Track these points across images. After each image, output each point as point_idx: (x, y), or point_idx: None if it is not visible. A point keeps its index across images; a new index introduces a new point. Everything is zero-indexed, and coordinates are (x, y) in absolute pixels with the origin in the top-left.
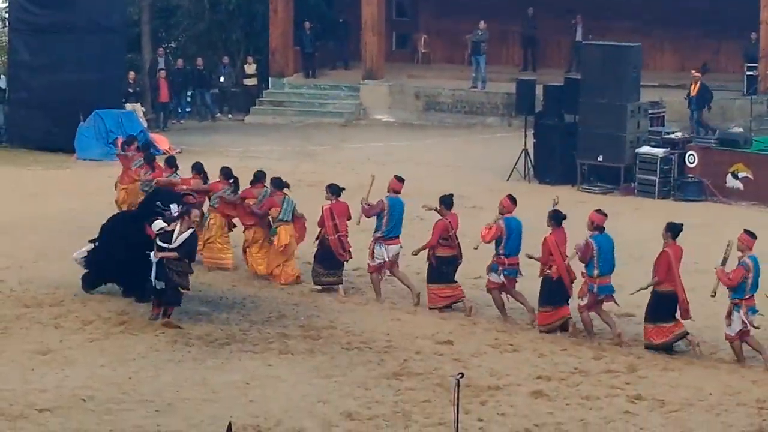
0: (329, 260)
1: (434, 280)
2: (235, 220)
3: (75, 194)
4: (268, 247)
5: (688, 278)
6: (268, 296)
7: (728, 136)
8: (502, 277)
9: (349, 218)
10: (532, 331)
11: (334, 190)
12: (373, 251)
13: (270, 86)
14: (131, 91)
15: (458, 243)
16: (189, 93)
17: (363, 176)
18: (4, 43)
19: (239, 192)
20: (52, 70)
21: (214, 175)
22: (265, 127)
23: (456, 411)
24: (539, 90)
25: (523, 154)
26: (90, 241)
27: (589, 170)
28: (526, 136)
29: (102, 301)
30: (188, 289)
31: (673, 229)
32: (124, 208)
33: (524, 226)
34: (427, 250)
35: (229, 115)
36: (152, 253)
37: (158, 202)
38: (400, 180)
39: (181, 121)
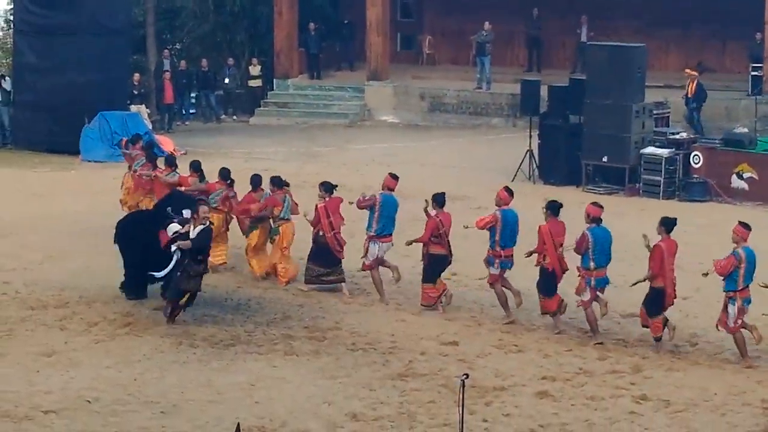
0: (326, 258)
1: (428, 280)
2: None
3: (80, 196)
4: (262, 248)
5: (692, 278)
6: (273, 297)
7: (733, 136)
8: (499, 269)
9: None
10: (537, 332)
11: (327, 188)
12: (367, 249)
13: (275, 87)
14: (136, 92)
15: (448, 242)
16: (194, 94)
17: (368, 177)
18: (9, 45)
19: (237, 197)
20: (57, 72)
21: (216, 177)
22: (270, 128)
23: (461, 412)
24: (544, 91)
25: (527, 154)
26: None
27: (593, 171)
28: (530, 136)
29: (107, 302)
30: (198, 290)
31: (667, 224)
32: (125, 208)
33: (527, 226)
34: (421, 247)
35: (234, 117)
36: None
37: (168, 208)
38: (395, 177)
39: (186, 123)
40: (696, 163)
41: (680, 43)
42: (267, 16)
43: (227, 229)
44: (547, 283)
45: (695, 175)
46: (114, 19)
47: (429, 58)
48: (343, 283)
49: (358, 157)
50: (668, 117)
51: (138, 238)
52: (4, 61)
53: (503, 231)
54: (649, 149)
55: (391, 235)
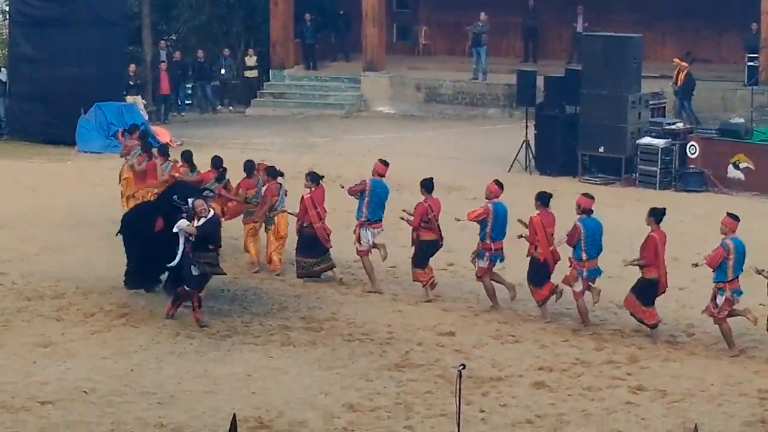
0: (315, 248)
1: (419, 265)
2: None
3: (76, 187)
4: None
5: (688, 268)
6: (270, 288)
7: (729, 126)
8: (488, 262)
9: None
10: (534, 322)
11: (313, 178)
12: (359, 236)
13: (271, 78)
14: (132, 83)
15: (438, 226)
16: (189, 85)
17: (364, 168)
18: (5, 36)
19: (231, 183)
20: (53, 63)
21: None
22: (266, 119)
23: (458, 402)
24: (540, 81)
25: (524, 145)
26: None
27: (590, 161)
28: (527, 127)
29: (104, 293)
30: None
31: (657, 214)
32: (124, 200)
33: (524, 217)
34: (411, 233)
35: (230, 108)
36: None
37: (175, 196)
38: (385, 163)
39: (182, 114)
40: (692, 154)
41: (676, 33)
42: (263, 7)
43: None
44: (538, 273)
45: (691, 166)
46: (110, 10)
47: (425, 49)
48: (334, 268)
49: (354, 148)
50: (664, 107)
51: (143, 230)
52: (0, 52)
53: (494, 224)
54: (646, 139)
55: (381, 220)
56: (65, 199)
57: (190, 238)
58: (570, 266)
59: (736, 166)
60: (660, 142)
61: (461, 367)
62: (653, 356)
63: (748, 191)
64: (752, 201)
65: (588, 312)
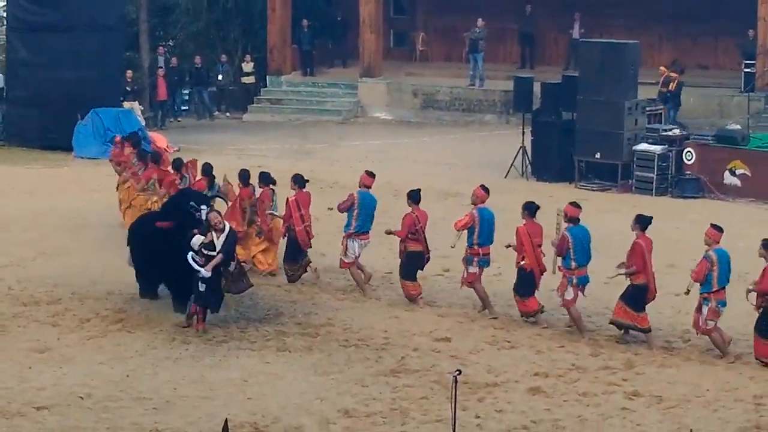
0: (294, 253)
1: (408, 277)
2: None
3: (73, 192)
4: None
5: (684, 275)
6: (266, 294)
7: (726, 133)
8: (477, 268)
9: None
10: (530, 328)
11: (299, 181)
12: (346, 247)
13: (268, 84)
14: (129, 89)
15: (425, 238)
16: (187, 91)
17: (360, 174)
18: (1, 42)
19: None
20: (50, 69)
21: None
22: (263, 125)
23: (453, 408)
24: (537, 87)
25: (520, 151)
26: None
27: (586, 167)
28: (523, 133)
29: (100, 299)
30: (250, 285)
31: (642, 222)
32: (123, 209)
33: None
34: (398, 244)
35: (227, 114)
36: (203, 270)
37: (192, 203)
38: (371, 175)
39: (179, 120)
40: (689, 160)
41: (673, 39)
42: (260, 13)
43: None
44: (524, 284)
45: (688, 172)
46: (107, 15)
47: (422, 55)
48: (310, 263)
49: (351, 154)
50: (661, 114)
51: (150, 239)
52: None
53: (481, 229)
54: (642, 146)
55: (368, 232)
56: (62, 204)
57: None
58: (561, 274)
59: (733, 173)
60: (656, 149)
61: (457, 372)
62: (649, 362)
63: (744, 198)
64: (749, 207)
65: (581, 318)
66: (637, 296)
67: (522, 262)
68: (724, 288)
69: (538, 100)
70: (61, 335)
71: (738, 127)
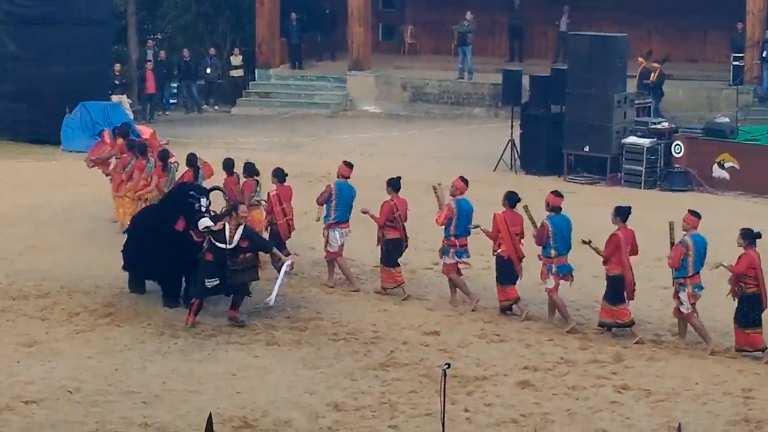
0: (278, 246)
1: (389, 264)
2: None
3: (62, 186)
4: None
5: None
6: (254, 288)
7: (714, 126)
8: (454, 258)
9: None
10: (519, 322)
11: (279, 175)
12: (327, 238)
13: (256, 77)
14: (117, 82)
15: (403, 226)
16: (175, 84)
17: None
18: None
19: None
20: (39, 62)
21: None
22: (252, 118)
23: (442, 401)
24: (526, 81)
25: (509, 144)
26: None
27: (575, 161)
28: (512, 126)
29: (88, 293)
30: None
31: (622, 213)
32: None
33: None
34: (377, 233)
35: (216, 107)
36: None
37: (192, 192)
38: (349, 165)
39: (167, 113)
40: (677, 153)
41: (661, 32)
42: (249, 6)
43: None
44: (503, 271)
45: (677, 165)
46: (95, 9)
47: (411, 48)
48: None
49: (340, 147)
50: (650, 107)
51: (149, 233)
52: None
53: (458, 221)
54: (631, 139)
55: (348, 221)
56: (51, 198)
57: (228, 245)
58: (542, 265)
59: (722, 166)
60: (645, 142)
61: (446, 366)
62: (638, 355)
63: (733, 191)
64: (737, 200)
65: (565, 306)
66: (614, 288)
67: (498, 250)
68: (698, 273)
69: (527, 94)
70: (50, 329)
71: (727, 120)
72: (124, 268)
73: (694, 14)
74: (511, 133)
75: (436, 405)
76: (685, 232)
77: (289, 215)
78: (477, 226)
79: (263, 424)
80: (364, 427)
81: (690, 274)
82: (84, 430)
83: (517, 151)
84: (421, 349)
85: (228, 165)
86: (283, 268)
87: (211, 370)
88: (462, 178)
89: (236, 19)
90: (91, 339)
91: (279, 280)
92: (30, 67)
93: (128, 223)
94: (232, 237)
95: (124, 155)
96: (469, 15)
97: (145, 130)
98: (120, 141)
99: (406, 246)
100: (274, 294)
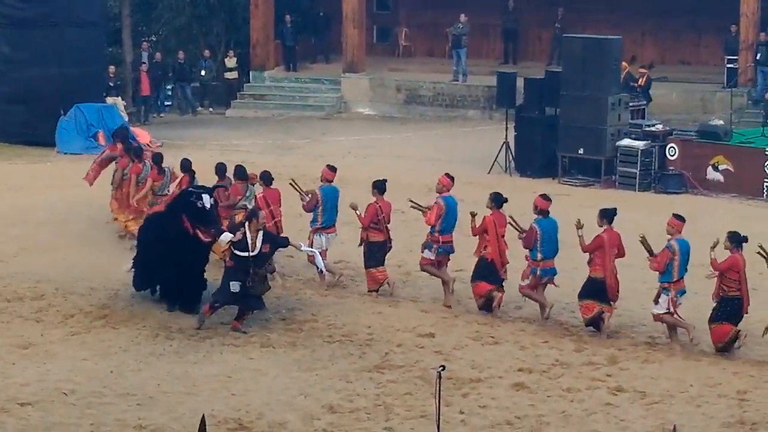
0: None
1: (372, 265)
2: None
3: (56, 188)
4: None
5: None
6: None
7: (709, 128)
8: (435, 254)
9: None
10: (514, 324)
11: (263, 177)
12: (312, 242)
13: (251, 80)
14: (112, 84)
15: (387, 228)
16: (170, 87)
17: (344, 169)
18: None
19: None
20: (33, 64)
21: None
22: (246, 120)
23: (437, 403)
24: (520, 83)
25: (504, 147)
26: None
27: (569, 163)
28: (507, 129)
29: (83, 294)
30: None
31: (608, 215)
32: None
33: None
34: (361, 234)
35: (210, 109)
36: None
37: (193, 192)
38: (332, 169)
39: (162, 115)
40: (672, 156)
41: (656, 35)
42: (243, 8)
43: None
44: (481, 269)
45: (671, 168)
46: (90, 11)
47: (405, 51)
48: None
49: (334, 150)
50: (644, 109)
51: (157, 238)
52: None
53: (444, 217)
54: (625, 141)
55: (334, 225)
56: (45, 200)
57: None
58: (527, 265)
59: (716, 168)
60: (639, 144)
61: (441, 368)
62: (632, 358)
63: (727, 193)
64: (731, 203)
65: (538, 297)
66: (594, 288)
67: (484, 251)
68: (683, 278)
69: (521, 96)
70: (45, 331)
71: (721, 122)
72: (135, 272)
73: (688, 16)
74: (506, 136)
75: (431, 407)
76: (669, 237)
77: (278, 217)
78: (473, 214)
79: (258, 426)
80: (359, 429)
81: (675, 279)
82: None
83: (511, 154)
84: (416, 351)
85: (220, 170)
86: (308, 251)
87: (206, 372)
88: (448, 175)
89: (231, 21)
90: (86, 341)
91: (316, 259)
92: (24, 69)
93: (127, 227)
94: (254, 244)
95: (123, 158)
96: (463, 17)
97: (141, 133)
98: (119, 145)
99: (390, 247)
100: (320, 264)
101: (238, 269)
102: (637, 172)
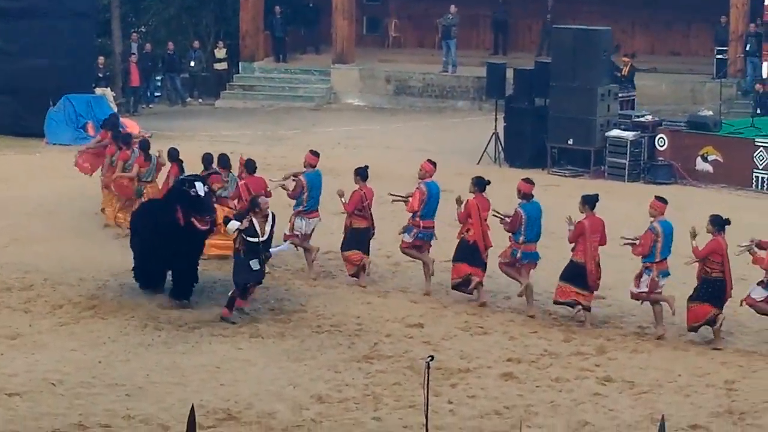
0: None
1: (348, 248)
2: None
3: (45, 179)
4: None
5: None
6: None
7: (698, 119)
8: (414, 238)
9: (269, 195)
10: (503, 314)
11: (249, 167)
12: (293, 224)
13: (240, 71)
14: (101, 75)
15: (371, 215)
16: (159, 77)
17: (334, 160)
18: None
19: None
20: (22, 55)
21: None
22: (236, 111)
23: (426, 393)
24: (510, 74)
25: (493, 137)
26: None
27: (559, 154)
28: (496, 119)
29: (72, 285)
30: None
31: (590, 201)
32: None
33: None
34: (345, 220)
35: (200, 100)
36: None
37: (186, 183)
38: (315, 154)
39: (151, 106)
40: (661, 146)
41: (645, 26)
42: None
43: None
44: (463, 251)
45: (660, 158)
46: (79, 2)
47: (395, 41)
48: None
49: (324, 140)
50: (633, 100)
51: (151, 228)
52: None
53: (426, 203)
54: (615, 132)
55: (317, 210)
56: (34, 190)
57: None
58: (508, 246)
59: (705, 159)
60: (629, 135)
61: (429, 358)
62: (621, 347)
63: (716, 183)
64: (720, 193)
65: (516, 275)
66: (574, 272)
67: (466, 234)
68: (665, 259)
69: (511, 87)
70: (34, 322)
71: (710, 113)
72: (136, 277)
73: (677, 7)
74: (495, 126)
75: (420, 397)
76: (652, 218)
77: None
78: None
79: (247, 416)
80: (347, 419)
81: (657, 260)
82: (67, 422)
83: (501, 144)
84: (405, 341)
85: (207, 160)
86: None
87: (195, 363)
88: (430, 161)
89: (220, 11)
90: (75, 331)
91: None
92: (13, 60)
93: (113, 219)
94: (263, 229)
95: (111, 145)
96: (453, 8)
97: (130, 124)
98: (108, 133)
99: (373, 234)
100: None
101: (250, 252)
102: (627, 163)
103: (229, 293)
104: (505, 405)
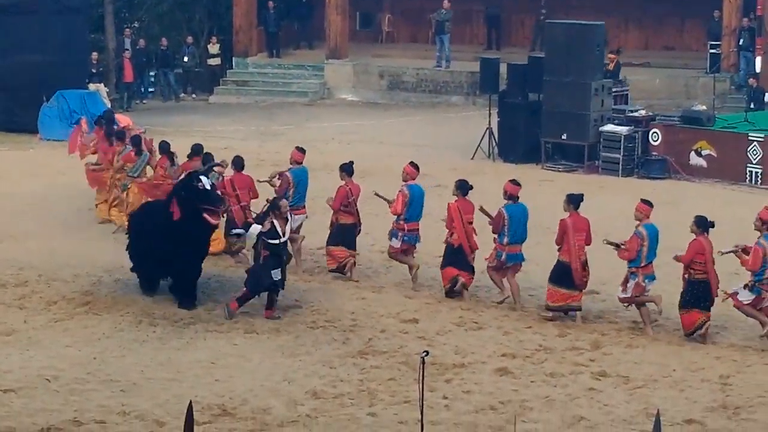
0: (231, 230)
1: (334, 243)
2: None
3: (39, 175)
4: None
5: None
6: (233, 276)
7: (692, 114)
8: (401, 242)
9: (255, 196)
10: (497, 309)
11: (237, 163)
12: None
13: (234, 66)
14: (94, 71)
15: (357, 211)
16: (152, 73)
17: (327, 155)
18: None
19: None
20: (15, 51)
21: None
22: (230, 106)
23: (421, 389)
24: (503, 69)
25: (487, 132)
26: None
27: (553, 148)
28: (490, 114)
29: (66, 281)
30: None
31: (574, 200)
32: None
33: (487, 206)
34: (331, 217)
35: (193, 95)
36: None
37: (191, 176)
38: (302, 150)
39: (145, 102)
40: (655, 141)
41: (639, 20)
42: None
43: None
44: (449, 256)
45: (654, 153)
46: None
47: (388, 37)
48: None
49: (317, 136)
50: (627, 95)
51: (151, 230)
52: None
53: (410, 206)
54: (608, 127)
55: (304, 207)
56: (28, 186)
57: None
58: (493, 248)
59: (699, 153)
60: (623, 130)
61: (424, 353)
62: (616, 342)
63: (710, 178)
64: (714, 188)
65: (502, 282)
66: (560, 272)
67: (450, 238)
68: (651, 263)
69: (505, 82)
70: (28, 318)
71: (704, 108)
72: (133, 270)
73: (671, 2)
74: (489, 122)
75: (415, 392)
76: (638, 222)
77: (245, 201)
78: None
79: (242, 411)
80: (342, 414)
81: (643, 264)
82: (62, 418)
83: (494, 140)
84: (400, 336)
85: (195, 151)
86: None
87: (189, 358)
88: (412, 164)
89: (213, 7)
90: (70, 327)
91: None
92: (6, 56)
93: (112, 218)
94: (283, 231)
95: (102, 143)
96: (446, 3)
97: (123, 120)
98: (102, 129)
99: (359, 230)
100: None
101: (273, 257)
102: (621, 158)
103: (242, 293)
104: (500, 400)
